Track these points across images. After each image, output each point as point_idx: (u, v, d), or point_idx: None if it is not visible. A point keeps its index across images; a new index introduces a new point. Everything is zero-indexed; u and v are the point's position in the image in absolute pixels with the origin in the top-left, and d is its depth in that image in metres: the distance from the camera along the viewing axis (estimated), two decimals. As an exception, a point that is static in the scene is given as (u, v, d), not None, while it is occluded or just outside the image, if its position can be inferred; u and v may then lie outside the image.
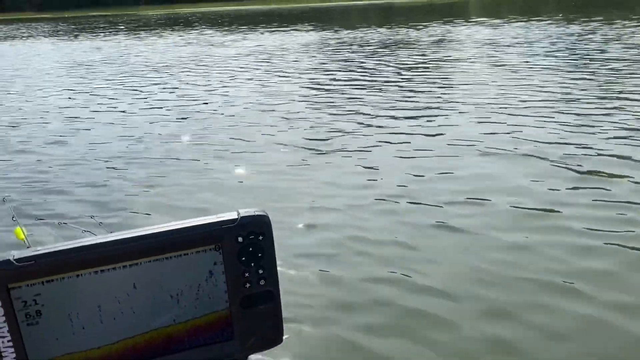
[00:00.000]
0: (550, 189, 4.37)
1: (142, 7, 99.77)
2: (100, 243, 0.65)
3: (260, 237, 0.70)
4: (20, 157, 6.58)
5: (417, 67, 11.76)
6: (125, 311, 0.68)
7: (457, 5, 47.95)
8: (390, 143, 6.15)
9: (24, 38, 32.51)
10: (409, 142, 6.13)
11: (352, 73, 11.53)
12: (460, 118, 7.08)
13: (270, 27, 29.25)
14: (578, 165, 4.88)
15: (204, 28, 32.37)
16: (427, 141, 6.13)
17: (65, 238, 3.62)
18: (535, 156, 5.26)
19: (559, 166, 4.93)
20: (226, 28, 31.28)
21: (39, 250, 0.64)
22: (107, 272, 0.66)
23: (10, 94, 11.70)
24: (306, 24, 30.82)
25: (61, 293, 0.64)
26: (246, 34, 25.12)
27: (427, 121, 7.04)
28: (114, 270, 0.66)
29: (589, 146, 5.33)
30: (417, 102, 8.24)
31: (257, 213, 0.71)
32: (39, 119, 8.83)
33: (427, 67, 11.70)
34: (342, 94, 9.27)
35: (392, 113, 7.63)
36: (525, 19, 23.34)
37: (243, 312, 0.72)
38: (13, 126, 8.38)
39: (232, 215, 0.70)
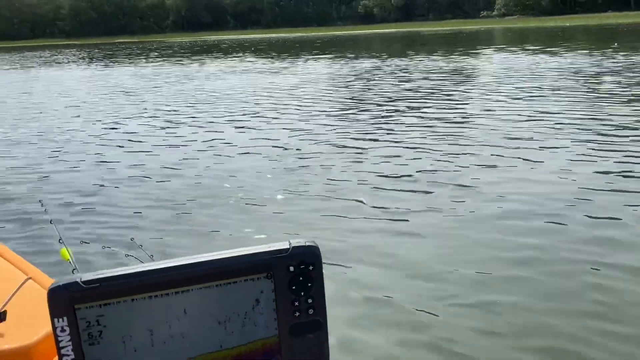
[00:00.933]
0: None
1: (167, 35, 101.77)
2: (161, 269, 0.69)
3: (311, 267, 0.73)
4: (70, 180, 6.73)
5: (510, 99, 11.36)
6: (174, 336, 0.71)
7: (483, 34, 47.99)
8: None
9: (65, 64, 32.87)
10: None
11: (441, 102, 11.14)
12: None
13: (311, 55, 29.23)
14: None
15: (244, 55, 32.44)
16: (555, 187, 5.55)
17: (109, 260, 3.72)
18: None
19: None
20: (266, 55, 31.33)
21: (103, 274, 0.68)
22: (161, 298, 0.69)
23: (62, 119, 11.54)
24: (345, 52, 30.76)
25: (120, 316, 0.69)
26: (292, 62, 25.04)
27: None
28: (167, 296, 0.70)
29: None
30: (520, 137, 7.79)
31: (308, 244, 0.73)
32: (91, 145, 8.76)
33: (512, 100, 11.28)
34: (445, 127, 8.84)
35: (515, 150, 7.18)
36: (557, 49, 23.18)
37: (292, 340, 0.75)
38: (65, 151, 8.39)
39: (284, 245, 0.73)
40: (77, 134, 9.85)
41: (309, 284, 0.73)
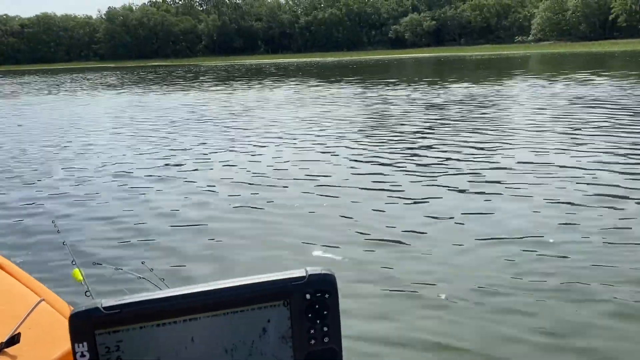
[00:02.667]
0: None
1: (200, 58, 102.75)
2: (182, 295, 0.69)
3: (327, 295, 0.73)
4: (84, 202, 6.65)
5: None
6: None
7: (522, 60, 47.21)
8: None
9: (119, 86, 32.61)
10: None
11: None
12: None
13: (378, 79, 28.57)
14: None
15: (304, 79, 31.91)
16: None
17: (121, 282, 3.69)
18: None
19: None
20: (324, 80, 30.74)
21: (123, 300, 0.68)
22: (176, 324, 0.69)
23: (101, 144, 10.94)
24: (414, 76, 30.09)
25: (137, 342, 0.69)
26: (369, 88, 24.34)
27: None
28: (184, 322, 0.69)
29: None
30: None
31: (324, 272, 0.74)
32: (116, 170, 8.59)
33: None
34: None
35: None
36: (593, 75, 22.32)
37: None
38: (84, 174, 8.31)
39: (301, 272, 0.73)
40: (104, 157, 9.69)
41: (325, 312, 0.73)
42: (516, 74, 26.84)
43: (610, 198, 5.92)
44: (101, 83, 37.06)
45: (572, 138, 9.55)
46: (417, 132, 11.08)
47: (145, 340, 0.69)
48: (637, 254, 4.47)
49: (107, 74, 52.02)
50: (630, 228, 5.00)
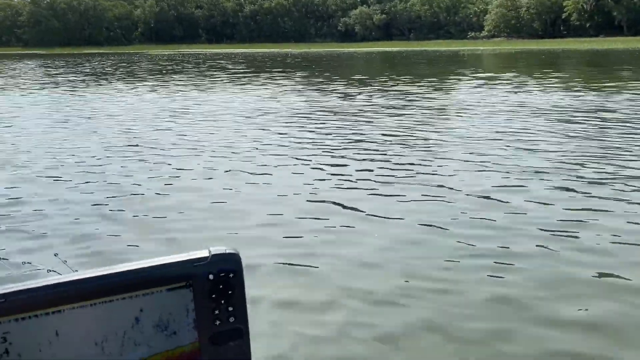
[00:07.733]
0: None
1: (137, 46, 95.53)
2: (77, 280, 0.66)
3: (231, 275, 0.73)
4: None
5: None
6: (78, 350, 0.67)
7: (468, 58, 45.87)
8: None
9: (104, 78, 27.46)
10: None
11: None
12: None
13: (385, 74, 25.46)
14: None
15: (290, 73, 28.21)
16: None
17: (30, 276, 3.56)
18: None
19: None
20: (300, 73, 27.19)
21: (9, 288, 0.64)
22: (72, 310, 0.65)
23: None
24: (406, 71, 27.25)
25: (25, 332, 0.65)
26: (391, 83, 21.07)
27: None
28: (80, 309, 0.64)
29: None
30: None
31: (228, 251, 0.73)
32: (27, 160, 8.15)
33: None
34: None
35: None
36: (536, 76, 21.09)
37: (212, 349, 0.73)
38: None
39: (204, 253, 0.72)
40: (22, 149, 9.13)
41: (230, 292, 0.72)
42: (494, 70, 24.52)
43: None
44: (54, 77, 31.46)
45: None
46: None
47: (32, 331, 0.63)
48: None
49: (48, 63, 45.54)
50: None
